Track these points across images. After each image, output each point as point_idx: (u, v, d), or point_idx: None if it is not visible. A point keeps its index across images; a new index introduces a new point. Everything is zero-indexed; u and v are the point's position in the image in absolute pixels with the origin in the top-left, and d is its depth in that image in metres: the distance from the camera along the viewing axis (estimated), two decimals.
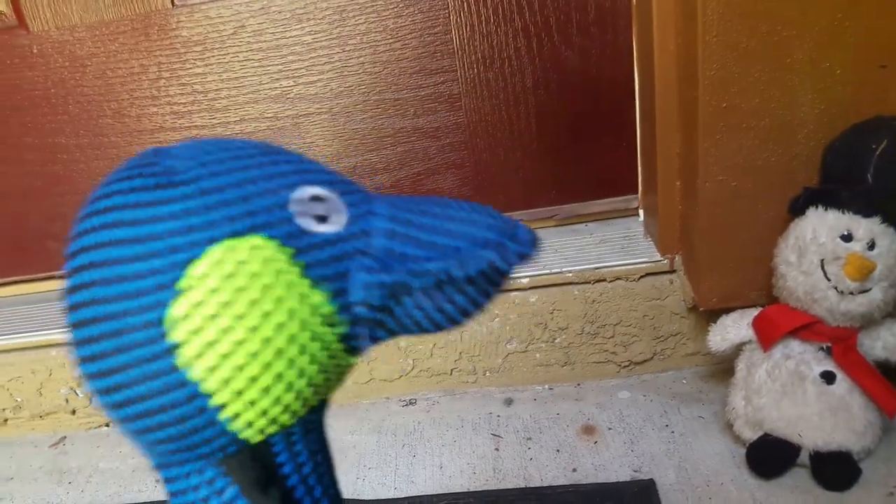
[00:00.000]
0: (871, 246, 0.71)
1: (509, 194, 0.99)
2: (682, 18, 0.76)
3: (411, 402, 0.98)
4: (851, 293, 0.72)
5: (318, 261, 0.30)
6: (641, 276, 0.90)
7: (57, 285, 1.10)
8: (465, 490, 0.81)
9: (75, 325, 0.31)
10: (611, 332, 0.93)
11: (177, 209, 0.29)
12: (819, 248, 0.72)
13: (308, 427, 0.34)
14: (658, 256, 0.90)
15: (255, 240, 0.29)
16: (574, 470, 0.82)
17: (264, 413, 0.30)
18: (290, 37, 0.92)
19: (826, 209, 0.73)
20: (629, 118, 0.91)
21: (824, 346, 0.76)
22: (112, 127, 0.98)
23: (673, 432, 0.85)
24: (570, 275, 0.91)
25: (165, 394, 0.29)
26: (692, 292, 0.87)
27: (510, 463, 0.84)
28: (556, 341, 0.94)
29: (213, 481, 0.32)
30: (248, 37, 0.92)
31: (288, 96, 0.95)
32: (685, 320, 0.92)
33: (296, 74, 0.94)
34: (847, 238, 0.72)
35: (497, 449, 0.87)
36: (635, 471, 0.80)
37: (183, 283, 0.28)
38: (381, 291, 0.31)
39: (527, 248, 0.31)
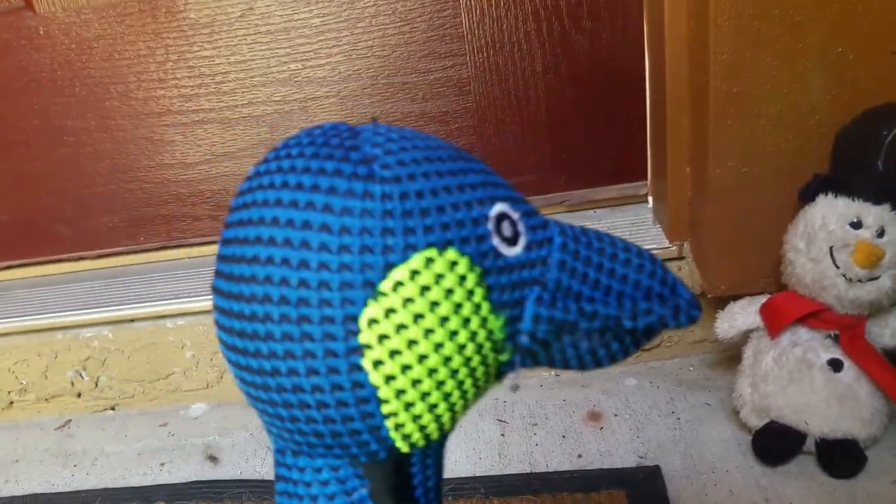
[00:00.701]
0: (881, 233, 0.71)
1: (518, 180, 0.98)
2: (694, 2, 0.75)
3: None
4: (860, 280, 0.71)
5: (500, 284, 0.29)
6: None
7: (64, 269, 1.10)
8: (471, 475, 0.81)
9: (233, 297, 0.29)
10: None
11: (375, 207, 0.27)
12: (828, 236, 0.72)
13: (441, 442, 0.34)
14: (666, 243, 0.90)
15: (452, 254, 0.28)
16: (580, 456, 0.82)
17: (423, 428, 0.30)
18: (299, 19, 0.91)
19: (836, 196, 0.73)
20: (639, 103, 0.91)
21: (832, 334, 0.76)
22: (119, 110, 0.98)
23: (679, 419, 0.85)
24: None
25: (334, 392, 0.28)
26: (700, 279, 0.87)
27: (516, 448, 0.84)
28: None
29: (346, 481, 0.32)
30: (257, 19, 0.91)
31: (296, 79, 0.94)
32: None
33: (304, 57, 0.93)
34: (856, 225, 0.71)
35: (503, 434, 0.87)
36: (641, 457, 0.80)
37: (382, 286, 0.27)
38: (549, 326, 0.31)
39: (695, 311, 0.31)
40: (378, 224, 0.27)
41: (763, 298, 0.80)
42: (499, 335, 0.30)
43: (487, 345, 0.29)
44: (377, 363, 0.27)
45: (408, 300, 0.27)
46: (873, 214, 0.71)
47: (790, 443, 0.76)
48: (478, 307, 0.28)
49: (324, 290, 0.27)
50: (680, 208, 0.87)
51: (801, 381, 0.75)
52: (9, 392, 1.04)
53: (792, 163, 0.77)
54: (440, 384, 0.29)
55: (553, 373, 0.96)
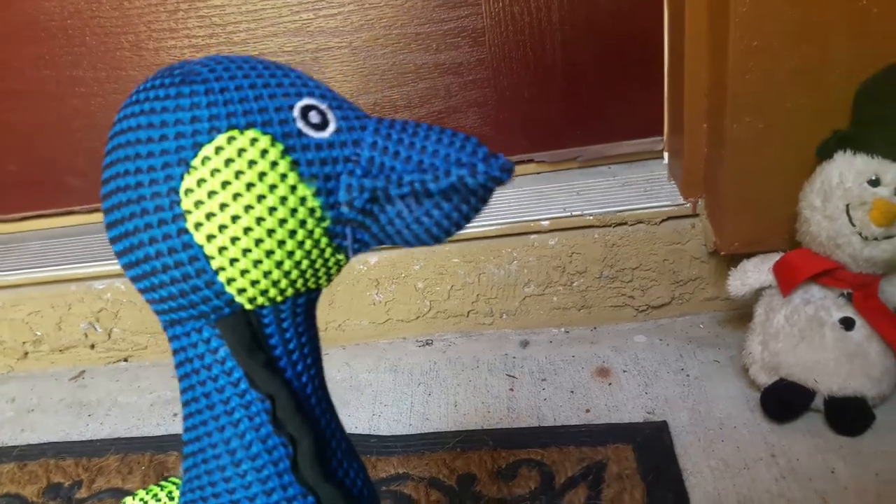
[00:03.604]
0: None
1: (532, 134, 0.97)
2: None
3: (428, 343, 0.99)
4: (876, 239, 0.71)
5: (307, 160, 0.35)
6: (663, 220, 0.89)
7: (76, 220, 1.10)
8: (479, 428, 0.82)
9: (103, 197, 0.36)
10: (629, 276, 0.93)
11: (184, 103, 0.34)
12: (845, 193, 0.71)
13: (296, 309, 0.38)
14: (681, 200, 0.89)
15: (253, 133, 0.34)
16: (587, 411, 0.82)
17: (255, 283, 0.35)
18: None
19: (854, 153, 0.72)
20: (657, 57, 0.89)
21: (845, 293, 0.76)
22: (130, 60, 0.97)
23: (688, 376, 0.85)
24: (591, 218, 0.90)
25: (172, 254, 0.35)
26: (714, 237, 0.86)
27: (524, 402, 0.85)
28: (574, 285, 0.94)
29: (209, 340, 0.38)
30: None
31: (307, 29, 0.93)
32: (705, 265, 0.91)
33: (316, 7, 0.92)
34: (874, 183, 0.70)
35: (511, 389, 0.88)
36: (649, 413, 0.81)
37: (193, 162, 0.34)
38: (362, 194, 0.36)
39: (496, 171, 0.34)
40: (188, 115, 0.34)
41: (776, 256, 0.80)
42: (312, 202, 0.35)
43: (302, 210, 0.35)
44: (198, 225, 0.34)
45: (215, 170, 0.34)
46: (892, 172, 0.70)
47: (798, 400, 0.76)
48: (283, 176, 0.34)
49: (151, 172, 0.34)
50: (696, 165, 0.86)
51: (811, 339, 0.75)
52: (23, 343, 1.05)
53: (811, 119, 0.75)
54: (258, 241, 0.34)
55: (563, 329, 0.97)
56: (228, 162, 0.34)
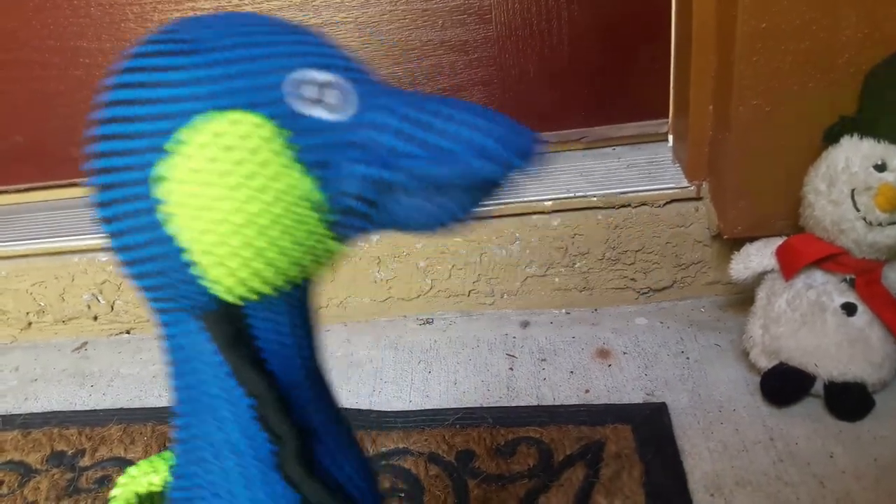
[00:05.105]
0: None
1: (537, 114, 0.97)
2: None
3: (428, 322, 0.99)
4: (880, 224, 0.70)
5: (313, 146, 0.31)
6: (667, 203, 0.89)
7: (80, 192, 1.10)
8: (479, 405, 0.82)
9: (91, 173, 0.33)
10: (632, 259, 0.92)
11: (181, 77, 0.31)
12: (851, 178, 0.71)
13: (289, 301, 0.36)
14: (685, 183, 0.89)
15: (237, 115, 0.30)
16: (587, 391, 0.83)
17: (233, 274, 0.32)
18: None
19: (861, 138, 0.71)
20: (664, 38, 0.89)
21: (847, 278, 0.75)
22: (135, 32, 0.96)
23: (688, 359, 0.85)
24: (595, 199, 0.90)
25: (150, 246, 0.32)
26: (717, 220, 0.86)
27: (524, 382, 0.85)
28: (576, 266, 0.94)
29: (195, 332, 0.35)
30: None
31: (313, 4, 0.92)
32: (708, 248, 0.91)
33: None
34: (881, 168, 0.70)
35: (511, 368, 0.88)
36: (648, 394, 0.81)
37: (171, 147, 0.30)
38: (376, 187, 0.32)
39: (521, 162, 0.32)
40: (167, 93, 0.31)
41: (779, 240, 0.79)
42: (314, 196, 0.32)
43: (302, 204, 0.31)
44: (171, 215, 0.31)
45: (189, 156, 0.30)
46: None
47: (798, 384, 0.76)
48: (283, 168, 0.31)
49: (128, 156, 0.31)
50: (700, 147, 0.86)
51: (813, 323, 0.75)
52: (27, 313, 1.06)
53: (818, 102, 0.75)
54: (235, 233, 0.31)
55: (564, 311, 0.97)
56: (204, 147, 0.30)
